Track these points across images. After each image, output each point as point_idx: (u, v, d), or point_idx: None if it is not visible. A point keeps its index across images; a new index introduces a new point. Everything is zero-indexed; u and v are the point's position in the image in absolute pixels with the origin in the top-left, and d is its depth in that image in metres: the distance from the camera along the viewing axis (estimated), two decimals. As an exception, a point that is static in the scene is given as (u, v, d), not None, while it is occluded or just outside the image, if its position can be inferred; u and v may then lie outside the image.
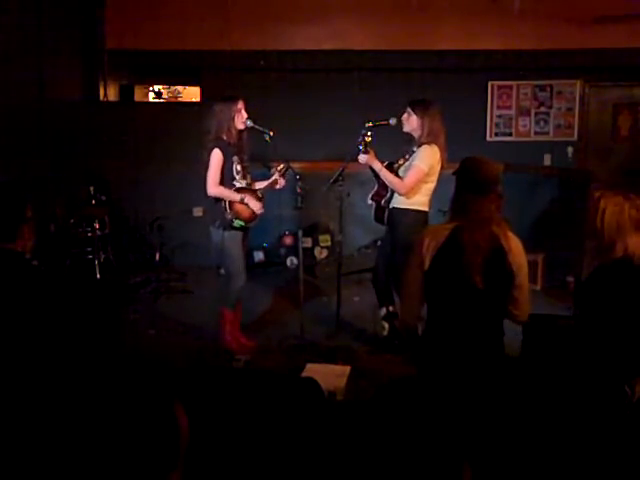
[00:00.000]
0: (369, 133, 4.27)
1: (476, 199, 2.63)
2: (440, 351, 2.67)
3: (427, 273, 2.65)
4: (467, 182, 2.68)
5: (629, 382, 2.44)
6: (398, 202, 4.32)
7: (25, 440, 2.12)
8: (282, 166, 4.40)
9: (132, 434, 1.23)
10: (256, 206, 4.30)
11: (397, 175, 4.32)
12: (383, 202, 4.41)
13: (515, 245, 2.64)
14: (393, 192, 4.34)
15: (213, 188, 4.21)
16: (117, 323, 5.00)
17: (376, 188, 4.49)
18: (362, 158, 4.30)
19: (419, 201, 4.27)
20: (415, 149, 4.28)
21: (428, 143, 4.20)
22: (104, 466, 1.21)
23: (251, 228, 4.41)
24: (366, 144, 4.27)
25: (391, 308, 4.46)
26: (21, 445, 2.10)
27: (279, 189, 4.47)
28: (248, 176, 4.41)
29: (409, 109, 4.30)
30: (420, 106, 4.27)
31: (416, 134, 4.28)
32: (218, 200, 4.24)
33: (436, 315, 2.72)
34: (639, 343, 2.49)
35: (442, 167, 4.25)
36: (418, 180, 4.21)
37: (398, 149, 4.44)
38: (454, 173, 2.80)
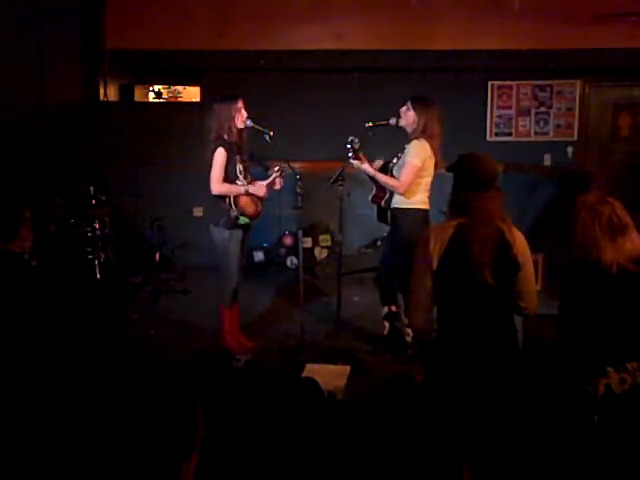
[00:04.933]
0: (356, 140, 4.25)
1: (478, 195, 2.62)
2: (455, 352, 2.66)
3: (435, 274, 2.64)
4: (467, 179, 2.67)
5: (591, 382, 2.44)
6: (398, 202, 4.31)
7: (30, 438, 2.12)
8: (279, 167, 4.39)
9: (154, 427, 1.26)
10: (261, 190, 4.28)
11: (392, 175, 4.32)
12: (383, 203, 4.40)
13: (519, 238, 2.65)
14: (392, 193, 4.34)
15: (217, 186, 4.21)
16: (116, 323, 4.99)
17: (374, 190, 4.49)
18: (354, 164, 4.31)
19: (419, 199, 4.27)
20: (406, 146, 4.28)
21: (417, 138, 4.21)
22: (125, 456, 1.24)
23: (251, 228, 4.41)
24: (355, 151, 4.26)
25: (393, 308, 4.45)
26: (28, 442, 2.10)
27: (277, 190, 4.47)
28: (249, 176, 4.41)
29: (409, 103, 4.30)
30: (420, 103, 4.28)
31: (410, 129, 4.27)
32: (221, 199, 4.24)
33: (448, 316, 2.71)
34: (601, 344, 2.49)
35: (436, 166, 4.26)
36: (413, 176, 4.20)
37: (398, 149, 4.43)
38: (449, 169, 2.79)
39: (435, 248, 2.63)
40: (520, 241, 2.64)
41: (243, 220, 4.24)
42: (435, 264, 2.63)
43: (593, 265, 2.55)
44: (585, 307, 2.56)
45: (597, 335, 2.51)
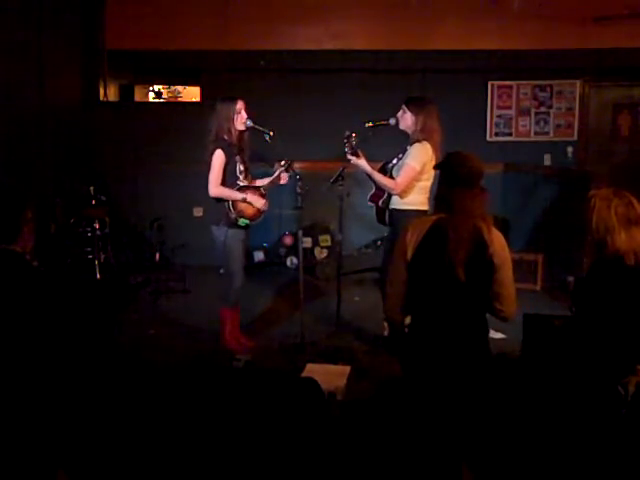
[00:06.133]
0: (354, 135, 4.25)
1: (460, 193, 2.63)
2: (424, 346, 2.67)
3: (410, 265, 2.65)
4: (452, 176, 2.69)
5: (621, 382, 2.44)
6: (396, 203, 4.31)
7: (23, 438, 2.12)
8: (284, 161, 4.40)
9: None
10: (260, 202, 4.29)
11: (391, 175, 4.32)
12: (381, 203, 4.40)
13: (497, 239, 2.64)
14: (390, 193, 4.34)
15: (214, 189, 4.22)
16: (116, 323, 5.00)
17: (373, 190, 4.49)
18: (351, 160, 4.30)
19: (417, 200, 4.27)
20: (408, 147, 4.28)
21: (419, 141, 4.20)
22: None
23: (251, 228, 4.41)
24: (352, 146, 4.25)
25: None
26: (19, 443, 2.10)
27: (282, 185, 4.47)
28: (249, 176, 4.42)
29: (404, 106, 4.30)
30: (415, 104, 4.27)
31: (410, 131, 4.28)
32: (220, 200, 4.24)
33: (419, 308, 2.72)
34: (629, 342, 2.49)
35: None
36: (411, 179, 4.20)
37: (398, 149, 4.43)
38: (436, 167, 2.82)
39: (411, 239, 2.65)
40: (498, 242, 2.63)
41: (243, 222, 4.23)
42: (410, 255, 2.64)
43: (613, 261, 2.55)
44: (609, 303, 2.55)
45: (624, 333, 2.50)
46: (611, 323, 2.53)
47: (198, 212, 6.88)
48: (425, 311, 2.69)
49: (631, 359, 2.46)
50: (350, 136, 4.24)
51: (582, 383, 2.54)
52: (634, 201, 2.60)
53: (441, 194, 2.73)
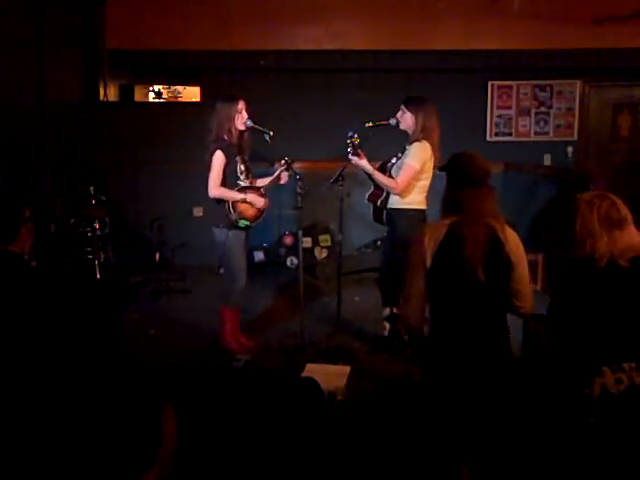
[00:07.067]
0: (356, 135, 4.26)
1: (470, 193, 2.63)
2: (446, 350, 2.66)
3: (429, 272, 2.65)
4: (460, 177, 2.69)
5: (587, 382, 2.43)
6: (394, 202, 4.32)
7: (18, 435, 2.11)
8: (284, 161, 4.40)
9: (114, 432, 1.25)
10: (260, 202, 4.29)
11: (390, 175, 4.32)
12: (379, 203, 4.40)
13: (512, 237, 2.65)
14: (389, 192, 4.34)
15: (214, 190, 4.21)
16: (116, 323, 5.00)
17: (372, 189, 4.49)
18: (353, 160, 4.31)
19: (415, 200, 4.27)
20: (407, 146, 4.28)
21: (419, 140, 4.21)
22: (81, 459, 1.24)
23: (252, 228, 4.41)
24: (354, 146, 4.26)
25: (395, 309, 4.45)
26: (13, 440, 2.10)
27: (282, 184, 4.46)
28: (250, 175, 4.41)
29: (403, 106, 4.31)
30: (414, 103, 4.28)
31: (411, 131, 4.28)
32: (221, 201, 4.24)
33: (440, 313, 2.71)
34: (595, 343, 2.48)
35: (435, 165, 4.25)
36: (411, 178, 4.20)
37: (398, 148, 4.43)
38: (442, 169, 2.81)
39: (429, 246, 2.64)
40: (513, 240, 2.64)
41: (243, 223, 4.22)
42: (429, 262, 2.64)
43: (585, 261, 2.54)
44: (577, 304, 2.55)
45: (592, 334, 2.50)
46: (578, 323, 2.53)
47: (198, 212, 6.88)
48: (448, 315, 2.68)
49: (597, 360, 2.45)
50: (352, 136, 4.26)
51: (551, 383, 2.55)
52: (619, 203, 2.57)
53: (450, 196, 2.71)
